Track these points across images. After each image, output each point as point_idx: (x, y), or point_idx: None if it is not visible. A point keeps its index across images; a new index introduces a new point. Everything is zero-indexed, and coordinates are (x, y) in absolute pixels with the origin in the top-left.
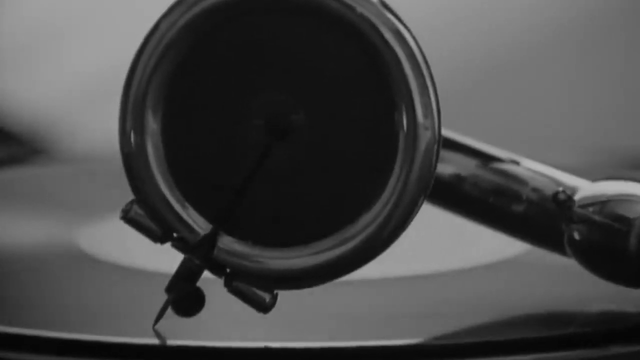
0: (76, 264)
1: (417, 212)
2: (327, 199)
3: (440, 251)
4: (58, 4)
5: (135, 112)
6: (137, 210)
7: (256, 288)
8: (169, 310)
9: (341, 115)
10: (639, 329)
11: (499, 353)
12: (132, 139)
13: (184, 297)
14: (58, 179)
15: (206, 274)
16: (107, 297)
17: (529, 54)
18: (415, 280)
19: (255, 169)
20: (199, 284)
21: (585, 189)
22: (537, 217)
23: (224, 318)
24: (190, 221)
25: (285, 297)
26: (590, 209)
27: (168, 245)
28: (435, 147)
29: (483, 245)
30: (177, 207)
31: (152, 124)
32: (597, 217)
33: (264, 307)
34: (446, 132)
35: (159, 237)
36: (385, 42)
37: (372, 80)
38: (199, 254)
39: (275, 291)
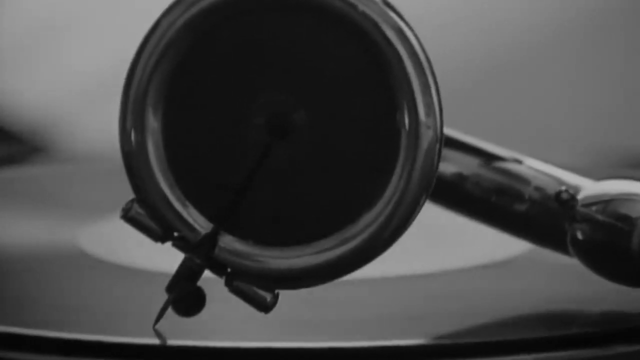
0: (76, 264)
1: (418, 212)
2: (328, 198)
3: (442, 250)
4: (58, 3)
5: (136, 111)
6: (137, 209)
7: (257, 287)
8: (170, 310)
9: (342, 114)
10: None
11: (500, 353)
12: (133, 138)
13: (185, 296)
14: (58, 178)
15: (207, 273)
16: (107, 297)
17: (532, 53)
18: (416, 279)
19: (256, 168)
20: (199, 283)
21: (588, 188)
22: (539, 217)
23: (224, 318)
24: (190, 220)
25: (287, 297)
26: (593, 208)
27: (168, 244)
28: (438, 146)
29: (485, 244)
30: (177, 206)
31: (153, 123)
32: (600, 217)
33: (265, 307)
34: (448, 131)
35: (159, 236)
36: (387, 40)
37: (374, 79)
38: (200, 254)
39: (276, 291)
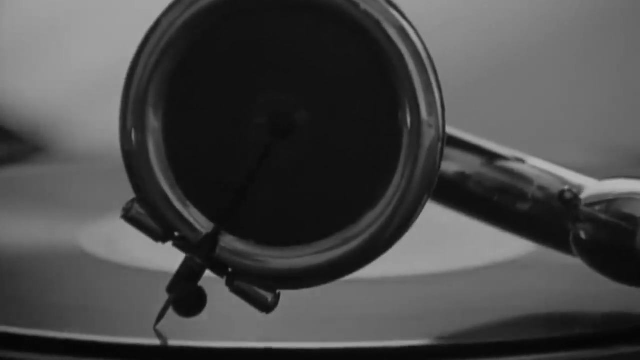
0: (76, 264)
1: (420, 211)
2: (330, 198)
3: (444, 250)
4: (59, 3)
5: (136, 111)
6: (138, 209)
7: (258, 288)
8: (170, 310)
9: (344, 113)
10: None
11: (501, 354)
12: (133, 137)
13: (186, 297)
14: (59, 177)
15: (208, 273)
16: (108, 297)
17: (534, 52)
18: (417, 279)
19: (257, 168)
20: (200, 283)
21: (592, 187)
22: (542, 216)
23: (225, 318)
24: (191, 220)
25: (288, 297)
26: (597, 207)
27: (169, 244)
28: (440, 145)
29: (487, 244)
30: (178, 205)
31: (153, 122)
32: (603, 216)
33: (266, 307)
34: (450, 130)
35: (160, 236)
36: (389, 39)
37: (376, 78)
38: (201, 253)
39: (277, 291)
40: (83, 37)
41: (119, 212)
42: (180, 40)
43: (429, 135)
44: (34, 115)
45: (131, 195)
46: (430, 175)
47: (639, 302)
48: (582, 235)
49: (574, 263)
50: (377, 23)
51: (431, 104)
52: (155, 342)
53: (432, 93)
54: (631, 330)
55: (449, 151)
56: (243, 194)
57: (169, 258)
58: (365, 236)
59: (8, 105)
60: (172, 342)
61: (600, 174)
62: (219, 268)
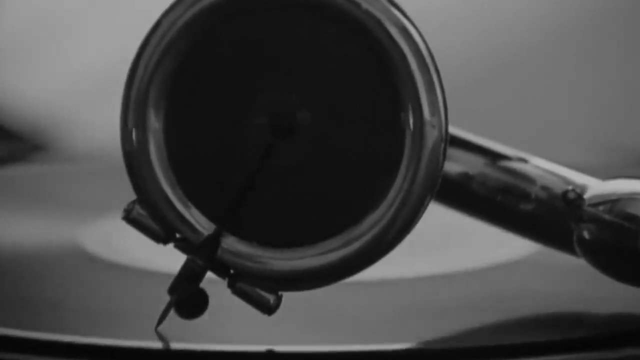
0: (76, 264)
1: (423, 212)
2: (332, 199)
3: (447, 251)
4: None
5: (137, 110)
6: (139, 210)
7: (260, 289)
8: (172, 312)
9: (345, 113)
10: None
11: (506, 356)
12: (134, 137)
13: (187, 298)
14: (59, 177)
15: (209, 274)
16: (108, 298)
17: (534, 51)
18: (421, 281)
19: (259, 169)
20: (202, 285)
21: (595, 187)
22: (546, 216)
23: (227, 320)
24: (193, 221)
25: (290, 299)
26: (601, 207)
27: (171, 245)
28: (442, 145)
29: (490, 245)
30: (179, 206)
31: (154, 122)
32: (607, 216)
33: (268, 309)
34: (453, 130)
35: (161, 238)
36: (391, 38)
37: (378, 78)
38: (202, 255)
39: (280, 292)
40: (83, 37)
41: (119, 212)
42: (181, 40)
43: (431, 136)
44: (34, 115)
45: (131, 195)
46: (433, 176)
47: None
48: (586, 235)
49: (577, 263)
50: (379, 22)
51: (434, 104)
52: (157, 344)
53: (435, 93)
54: (636, 332)
55: (451, 151)
56: (244, 195)
57: (170, 258)
58: (367, 238)
59: (8, 105)
60: (174, 345)
61: (601, 174)
62: (221, 269)
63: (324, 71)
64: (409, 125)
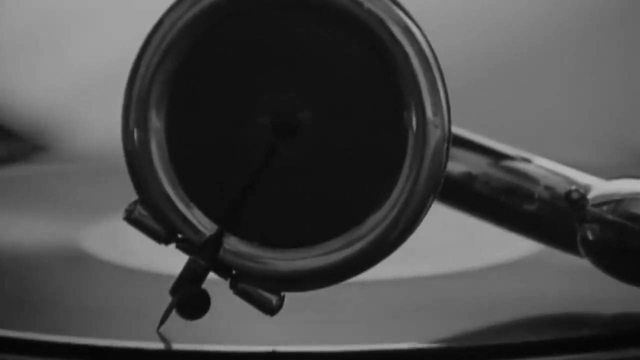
0: (78, 264)
1: (426, 212)
2: (335, 199)
3: (450, 251)
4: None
5: (139, 110)
6: (140, 210)
7: (262, 290)
8: (174, 313)
9: (348, 113)
10: None
11: (509, 356)
12: (136, 137)
13: (189, 299)
14: (59, 177)
15: (211, 275)
16: (109, 299)
17: (534, 51)
18: (423, 281)
19: (261, 169)
20: (204, 285)
21: (599, 187)
22: (549, 216)
23: (229, 321)
24: (195, 221)
25: (292, 299)
26: (604, 207)
27: (172, 245)
28: (445, 145)
29: (494, 245)
30: (181, 206)
31: (156, 122)
32: (610, 216)
33: (270, 309)
34: (456, 130)
35: (163, 238)
36: (394, 38)
37: (380, 78)
38: (204, 255)
39: (282, 293)
40: (83, 37)
41: (120, 213)
42: (182, 40)
43: (434, 136)
44: (35, 114)
45: (133, 195)
46: (436, 176)
47: None
48: (589, 235)
49: (580, 264)
50: (381, 22)
51: (436, 104)
52: (159, 345)
53: (438, 92)
54: (639, 332)
55: (454, 151)
56: (247, 195)
57: (172, 259)
58: (370, 238)
59: (8, 105)
60: (176, 346)
61: (603, 174)
62: (223, 270)
63: (325, 71)
64: (411, 125)
